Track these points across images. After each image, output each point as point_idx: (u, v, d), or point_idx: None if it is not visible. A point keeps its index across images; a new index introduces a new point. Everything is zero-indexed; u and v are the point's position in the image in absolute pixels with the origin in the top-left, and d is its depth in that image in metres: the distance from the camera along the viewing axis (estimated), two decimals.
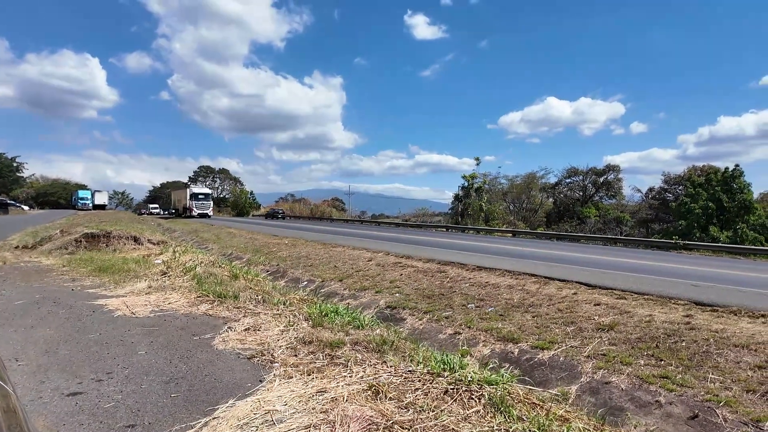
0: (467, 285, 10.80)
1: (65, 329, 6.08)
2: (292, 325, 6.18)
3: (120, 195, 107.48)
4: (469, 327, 8.20)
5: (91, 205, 78.39)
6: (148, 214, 79.14)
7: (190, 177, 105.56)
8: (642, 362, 6.16)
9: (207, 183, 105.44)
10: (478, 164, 56.56)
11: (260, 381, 4.41)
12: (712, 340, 6.45)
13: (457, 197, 56.21)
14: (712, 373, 5.65)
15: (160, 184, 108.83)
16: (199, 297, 7.98)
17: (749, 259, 23.34)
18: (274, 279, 13.62)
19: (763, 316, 7.36)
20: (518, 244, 25.14)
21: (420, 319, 9.05)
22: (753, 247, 32.20)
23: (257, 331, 6.03)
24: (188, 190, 62.61)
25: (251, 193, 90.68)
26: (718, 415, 4.84)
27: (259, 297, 7.99)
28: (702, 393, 5.26)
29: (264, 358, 5.04)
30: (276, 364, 4.82)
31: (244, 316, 6.82)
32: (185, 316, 6.89)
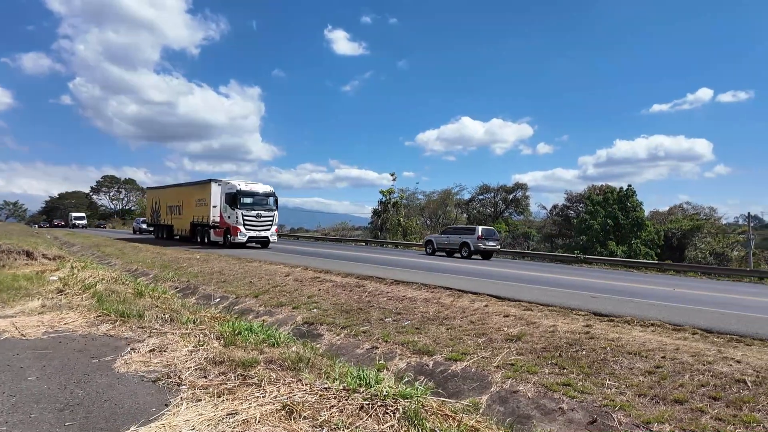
0: (385, 299, 10.90)
1: None
2: (202, 345, 5.92)
3: (11, 205, 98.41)
4: (386, 341, 8.26)
5: None
6: (71, 226, 68.93)
7: (92, 187, 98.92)
8: (547, 371, 6.49)
9: (110, 194, 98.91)
10: (394, 180, 57.46)
11: (166, 405, 4.17)
12: (608, 348, 6.94)
13: (376, 212, 56.73)
14: (609, 380, 6.07)
15: (58, 194, 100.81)
16: (100, 316, 7.43)
17: (641, 272, 25.42)
18: (184, 296, 13.00)
19: (652, 325, 8.03)
20: (434, 258, 25.74)
21: (338, 335, 8.99)
22: (645, 261, 35.18)
23: (163, 352, 5.71)
24: (220, 186, 27.98)
25: None
26: (614, 419, 5.19)
27: (167, 315, 7.58)
28: (600, 398, 5.62)
29: (170, 380, 4.78)
30: (183, 387, 4.58)
31: (150, 336, 6.44)
32: (83, 337, 6.39)
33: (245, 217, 26.08)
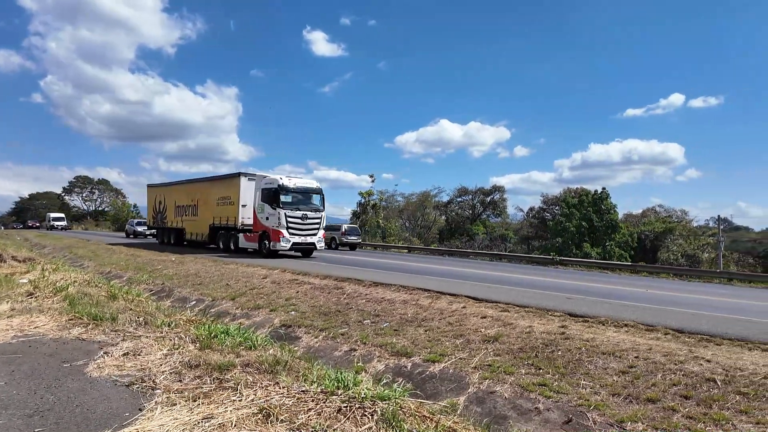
0: (364, 301, 10.88)
1: None
2: (177, 348, 5.83)
3: None
4: (365, 343, 8.25)
5: None
6: (48, 228, 63.20)
7: (64, 188, 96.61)
8: (523, 371, 6.56)
9: (84, 195, 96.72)
10: (373, 181, 57.52)
11: (140, 410, 4.10)
12: (583, 348, 7.04)
13: (355, 214, 56.72)
14: (584, 379, 6.16)
15: (29, 195, 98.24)
16: (72, 320, 7.26)
17: (615, 273, 25.89)
18: (159, 299, 12.80)
19: (626, 325, 8.18)
20: (413, 259, 25.86)
21: (316, 337, 8.96)
22: (618, 262, 35.85)
23: (137, 356, 5.61)
24: (253, 181, 23.39)
25: (134, 206, 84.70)
26: (588, 419, 5.28)
27: (141, 319, 7.45)
28: (575, 398, 5.70)
29: (145, 384, 4.70)
30: (158, 391, 4.51)
31: (123, 339, 6.32)
32: (54, 341, 6.24)
33: (289, 219, 21.10)
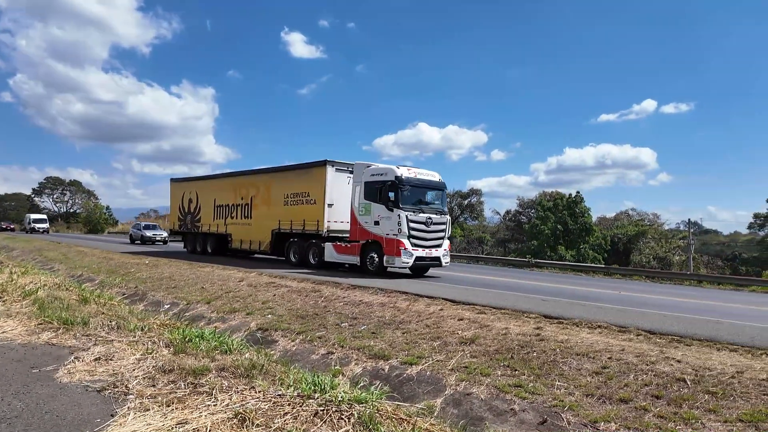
0: (341, 304, 10.86)
1: None
2: (151, 353, 5.74)
3: None
4: (342, 346, 8.23)
5: None
6: (27, 230, 56.12)
7: (34, 189, 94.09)
8: (499, 373, 6.62)
9: (54, 197, 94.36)
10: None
11: (112, 416, 4.02)
12: (558, 350, 7.14)
13: None
14: (559, 380, 6.25)
15: None
16: (41, 324, 7.09)
17: (589, 276, 26.30)
18: (132, 303, 12.58)
19: (599, 327, 8.31)
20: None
21: (293, 341, 8.90)
22: (592, 264, 36.45)
23: (110, 361, 5.50)
24: (348, 172, 17.77)
25: (107, 208, 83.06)
26: (563, 419, 5.35)
27: (114, 323, 7.31)
28: (550, 399, 5.78)
29: (117, 390, 4.60)
30: (131, 396, 4.43)
31: (95, 344, 6.19)
32: (23, 346, 6.08)
33: (412, 225, 15.30)
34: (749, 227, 64.46)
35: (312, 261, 18.31)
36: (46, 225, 60.57)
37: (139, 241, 36.02)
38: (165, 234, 35.80)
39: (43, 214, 66.97)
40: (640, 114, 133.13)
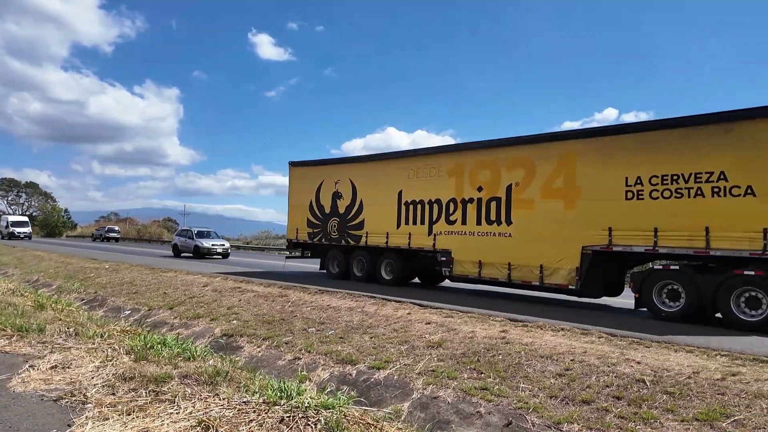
0: (309, 308, 10.77)
1: None
2: (111, 360, 5.58)
3: None
4: (309, 351, 8.16)
5: None
6: (6, 236, 46.84)
7: None
8: (466, 376, 6.68)
9: (9, 199, 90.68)
10: None
11: (68, 425, 3.89)
12: (523, 352, 7.25)
13: None
14: (523, 383, 6.34)
15: None
16: None
17: None
18: (91, 308, 12.20)
19: (563, 329, 8.48)
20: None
21: (258, 347, 8.78)
22: None
23: (67, 369, 5.33)
24: None
25: (65, 210, 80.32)
26: (527, 421, 5.43)
27: (71, 329, 7.10)
28: (515, 401, 5.86)
29: (74, 399, 4.46)
30: (89, 405, 4.29)
31: (51, 351, 5.99)
32: None
33: None
34: None
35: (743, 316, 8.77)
36: (28, 229, 50.84)
37: (190, 254, 26.80)
38: (227, 245, 28.09)
39: (24, 216, 58.09)
40: (602, 122, 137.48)
